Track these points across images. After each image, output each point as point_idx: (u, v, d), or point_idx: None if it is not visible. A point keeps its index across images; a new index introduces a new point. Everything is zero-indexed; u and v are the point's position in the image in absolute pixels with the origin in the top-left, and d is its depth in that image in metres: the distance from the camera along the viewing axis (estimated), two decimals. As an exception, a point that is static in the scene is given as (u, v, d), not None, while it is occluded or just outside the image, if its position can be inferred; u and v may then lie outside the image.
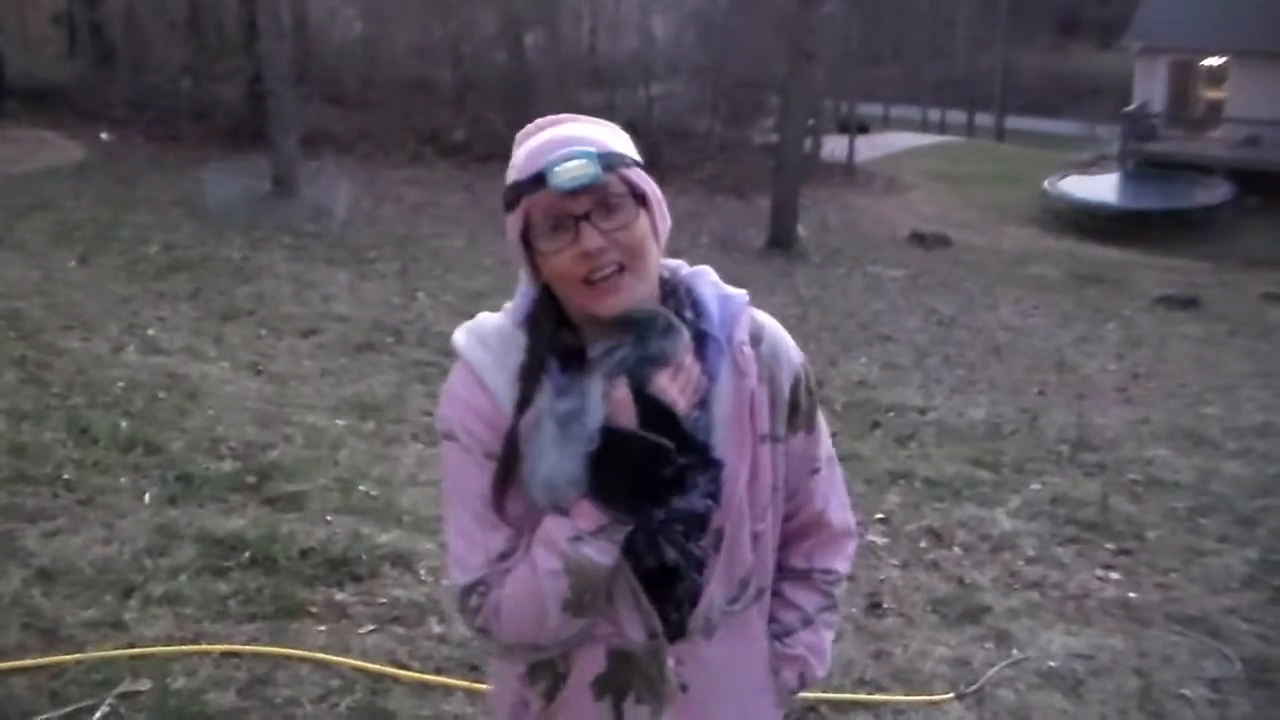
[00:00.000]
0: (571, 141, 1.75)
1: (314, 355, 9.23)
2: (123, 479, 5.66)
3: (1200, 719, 4.39)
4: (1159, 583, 5.73)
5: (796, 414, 1.95)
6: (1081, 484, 7.38)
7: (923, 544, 6.00)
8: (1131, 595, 5.53)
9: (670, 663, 1.88)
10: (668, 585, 1.84)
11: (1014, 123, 51.74)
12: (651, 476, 1.72)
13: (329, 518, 5.42)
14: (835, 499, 2.07)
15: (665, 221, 1.84)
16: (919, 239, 25.17)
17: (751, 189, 25.13)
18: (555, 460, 1.72)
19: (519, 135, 1.85)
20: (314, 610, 4.53)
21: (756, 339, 1.92)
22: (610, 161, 1.74)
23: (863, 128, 37.85)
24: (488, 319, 1.90)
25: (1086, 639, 4.99)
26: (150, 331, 9.06)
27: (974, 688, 4.45)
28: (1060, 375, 12.69)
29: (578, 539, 1.74)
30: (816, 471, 2.03)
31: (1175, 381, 12.69)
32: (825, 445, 2.04)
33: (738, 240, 21.23)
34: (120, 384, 7.27)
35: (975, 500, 6.83)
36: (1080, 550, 6.12)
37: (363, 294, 12.27)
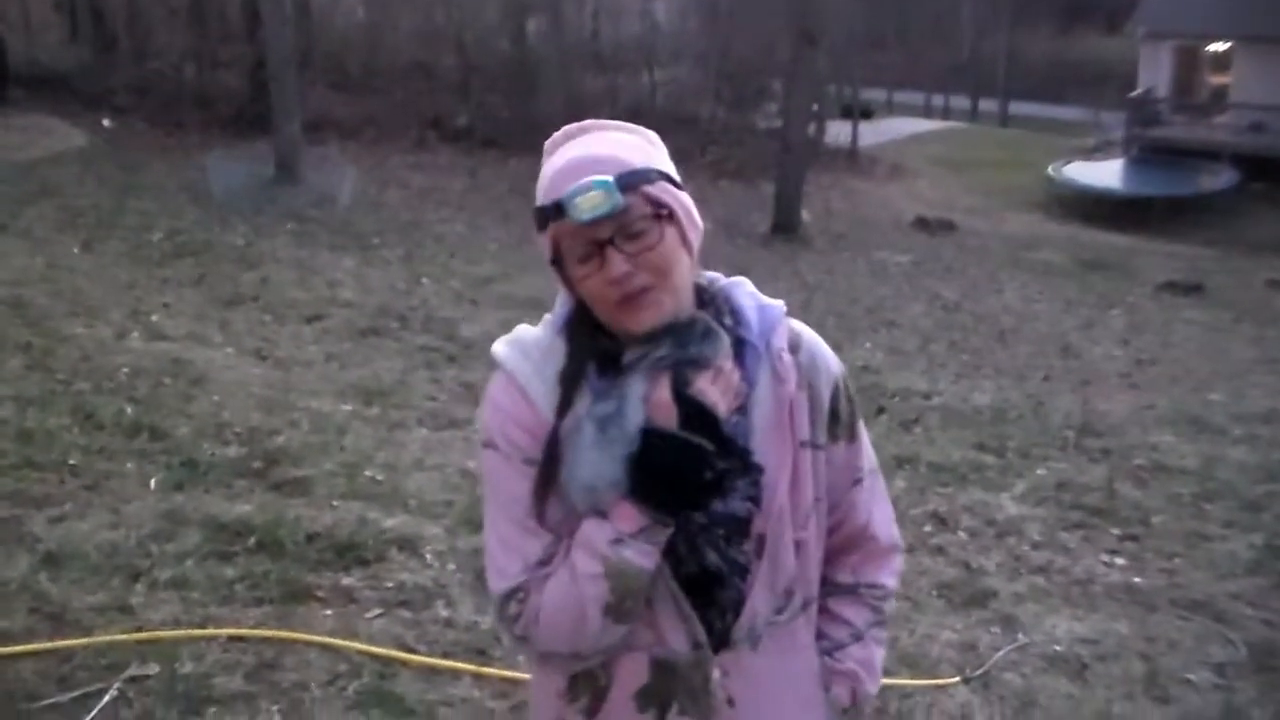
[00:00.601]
0: (591, 164, 1.73)
1: (319, 340, 9.24)
2: (128, 465, 5.67)
3: (1205, 703, 4.39)
4: (1164, 568, 5.74)
5: (837, 423, 1.94)
6: (1087, 469, 7.38)
7: (928, 529, 6.00)
8: (1137, 580, 5.53)
9: (716, 674, 1.84)
10: (710, 591, 1.82)
11: (1018, 108, 51.57)
12: (691, 478, 1.72)
13: (335, 503, 5.43)
14: (879, 512, 2.04)
15: (696, 229, 1.82)
16: (923, 224, 25.14)
17: (755, 174, 25.08)
18: (595, 462, 1.72)
19: (547, 144, 1.85)
20: (321, 595, 4.54)
21: (795, 347, 1.91)
22: (631, 182, 1.73)
23: (866, 113, 37.73)
24: (526, 330, 1.89)
25: (1092, 624, 5.00)
26: (155, 318, 9.06)
27: (980, 671, 4.46)
28: (1065, 361, 12.69)
29: (618, 541, 1.73)
30: (859, 482, 2.00)
31: (1180, 367, 12.69)
32: (868, 456, 2.02)
33: (742, 226, 21.19)
34: (125, 370, 7.28)
35: (980, 485, 6.84)
36: (1086, 535, 6.13)
37: (367, 279, 12.27)
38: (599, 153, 1.76)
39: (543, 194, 1.77)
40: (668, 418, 1.72)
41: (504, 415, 1.82)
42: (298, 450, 6.13)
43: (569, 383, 1.79)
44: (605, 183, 1.70)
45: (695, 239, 1.82)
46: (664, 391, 1.73)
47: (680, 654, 1.83)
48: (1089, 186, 30.89)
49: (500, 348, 1.87)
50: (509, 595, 1.80)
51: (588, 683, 1.87)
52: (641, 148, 1.82)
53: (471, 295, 12.17)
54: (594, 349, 1.80)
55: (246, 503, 5.31)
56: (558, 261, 1.79)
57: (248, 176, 17.68)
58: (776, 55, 27.10)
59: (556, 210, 1.72)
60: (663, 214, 1.76)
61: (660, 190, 1.77)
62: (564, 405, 1.77)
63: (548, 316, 1.89)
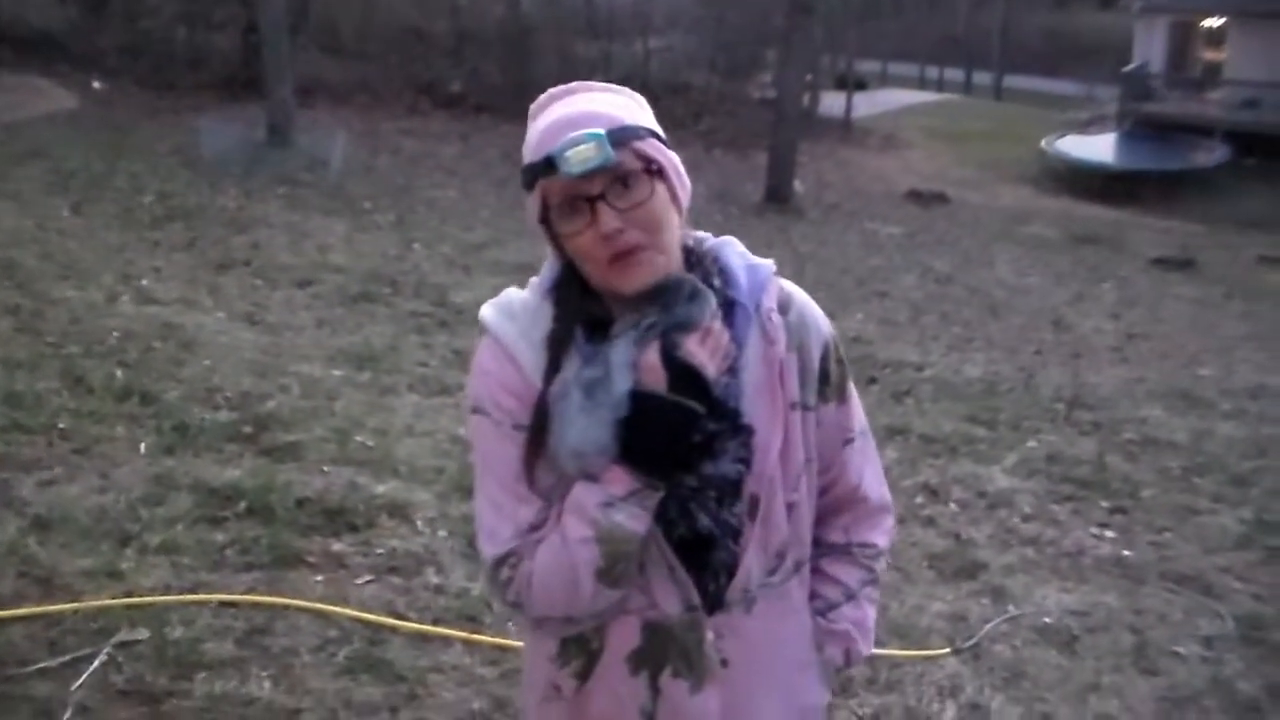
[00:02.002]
0: (581, 120, 1.72)
1: (310, 306, 9.21)
2: (118, 428, 5.65)
3: (1193, 675, 4.41)
4: (1153, 541, 5.76)
5: (827, 383, 1.93)
6: (1077, 442, 7.40)
7: (919, 500, 6.01)
8: (1126, 553, 5.55)
9: (709, 636, 1.84)
10: (703, 554, 1.82)
11: (1012, 81, 51.46)
12: (681, 440, 1.71)
13: (325, 468, 5.42)
14: (870, 472, 2.04)
15: (685, 188, 1.81)
16: (916, 196, 25.12)
17: (749, 143, 25.04)
18: (583, 427, 1.70)
19: (532, 107, 1.84)
20: (311, 560, 4.54)
21: (785, 307, 1.90)
22: (621, 137, 1.71)
23: (860, 84, 37.68)
24: (514, 294, 1.87)
25: (1081, 596, 5.02)
26: (145, 281, 9.03)
27: (970, 643, 4.47)
28: (1056, 334, 12.70)
29: (608, 505, 1.72)
30: (850, 442, 2.00)
31: (1170, 342, 12.71)
32: (858, 417, 2.01)
33: (734, 195, 21.16)
34: (115, 334, 7.25)
35: (971, 457, 6.85)
36: (1076, 508, 6.15)
37: (359, 245, 12.23)
38: (589, 109, 1.75)
39: (531, 151, 1.75)
40: (656, 381, 1.71)
41: (492, 380, 1.81)
42: (288, 415, 6.11)
43: (555, 346, 1.77)
44: (597, 135, 1.68)
45: (684, 198, 1.81)
46: (652, 354, 1.71)
47: (673, 617, 1.83)
48: (1082, 160, 30.86)
49: (487, 312, 1.85)
50: (501, 560, 1.79)
51: (579, 646, 1.87)
52: (630, 107, 1.80)
53: (463, 261, 12.14)
54: (582, 312, 1.79)
55: (237, 468, 5.29)
56: (546, 221, 1.77)
57: (239, 140, 17.60)
58: (771, 25, 27.00)
59: (547, 165, 1.71)
60: (653, 170, 1.74)
61: (650, 147, 1.75)
62: (551, 369, 1.76)
63: (534, 280, 1.87)
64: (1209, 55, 35.73)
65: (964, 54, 52.22)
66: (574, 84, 1.85)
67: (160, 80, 21.96)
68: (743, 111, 28.01)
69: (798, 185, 22.31)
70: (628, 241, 1.71)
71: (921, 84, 50.20)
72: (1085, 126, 35.29)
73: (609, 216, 1.70)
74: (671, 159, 1.79)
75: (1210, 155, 30.02)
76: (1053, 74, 49.33)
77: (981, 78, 52.67)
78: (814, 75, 30.21)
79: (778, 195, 21.53)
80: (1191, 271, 19.54)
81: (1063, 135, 33.62)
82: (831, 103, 32.80)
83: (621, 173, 1.71)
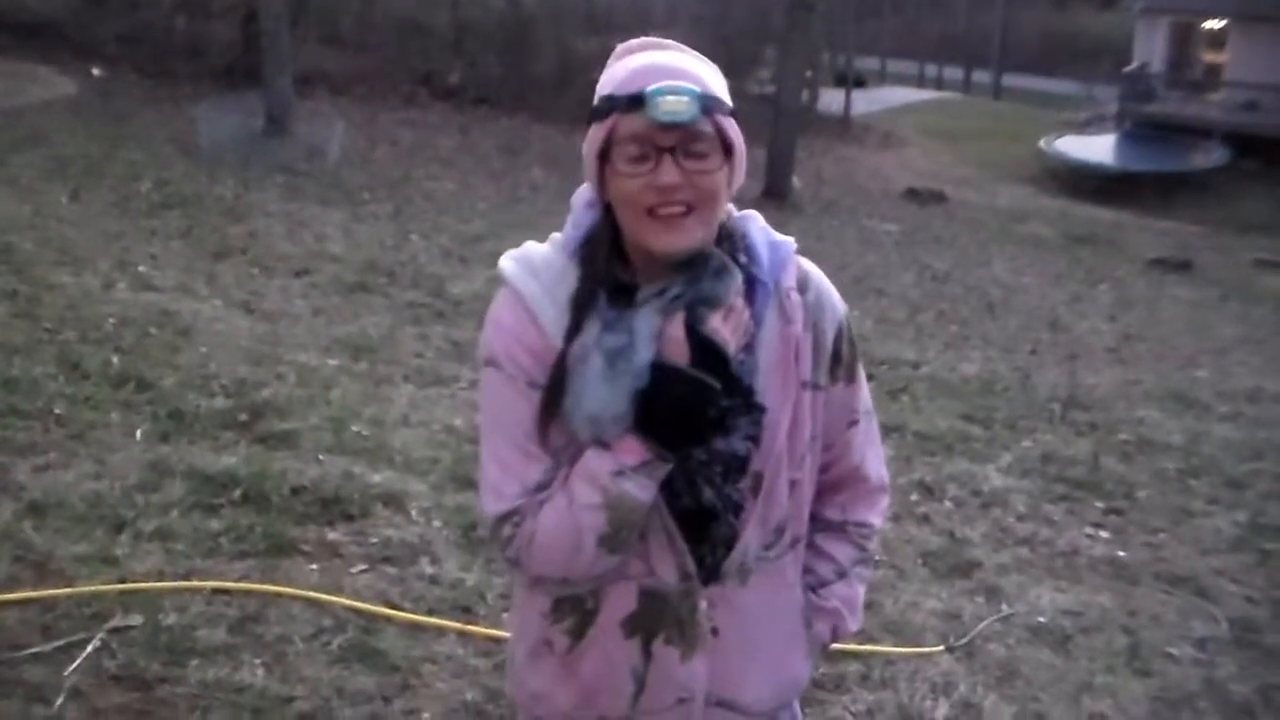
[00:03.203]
0: (677, 73, 1.72)
1: (306, 295, 9.20)
2: (114, 415, 5.63)
3: (1186, 677, 4.42)
4: (1148, 542, 5.76)
5: (838, 364, 1.94)
6: (1072, 442, 7.40)
7: (914, 497, 6.01)
8: (1120, 554, 5.56)
9: (703, 605, 1.87)
10: (703, 527, 1.83)
11: (1012, 80, 51.51)
12: (697, 415, 1.71)
13: (321, 457, 5.41)
14: (872, 452, 2.06)
15: (742, 175, 1.81)
16: (914, 194, 25.16)
17: (747, 139, 24.50)
18: (602, 395, 1.71)
19: (618, 48, 1.84)
20: (305, 549, 4.53)
21: (803, 286, 1.91)
22: (711, 105, 1.72)
23: (859, 81, 37.71)
24: (535, 248, 1.87)
25: (1075, 596, 5.02)
26: (142, 268, 9.01)
27: (964, 641, 4.47)
28: (1053, 334, 12.71)
29: (619, 474, 1.73)
30: (855, 423, 2.01)
31: (1167, 344, 12.73)
32: (864, 398, 2.03)
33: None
34: (112, 320, 7.23)
35: (967, 455, 6.85)
36: (1070, 508, 6.15)
37: (356, 234, 12.21)
38: (687, 67, 1.75)
39: (617, 84, 1.74)
40: (679, 354, 1.71)
41: (510, 335, 1.80)
42: (284, 404, 6.10)
43: (580, 307, 1.77)
44: (693, 91, 1.69)
45: (737, 185, 1.81)
46: (677, 328, 1.72)
47: (670, 585, 1.85)
48: (1081, 161, 30.92)
49: (508, 264, 1.85)
50: (504, 518, 1.80)
51: (574, 605, 1.88)
52: (720, 82, 1.81)
53: (460, 253, 12.12)
54: (609, 275, 1.78)
55: (232, 455, 5.28)
56: (603, 157, 1.76)
57: (237, 129, 17.55)
58: (771, 21, 26.99)
59: (632, 102, 1.70)
60: (726, 145, 1.75)
61: (730, 125, 1.76)
62: (574, 330, 1.76)
63: (556, 236, 1.87)
64: (1209, 57, 35.76)
65: (963, 52, 52.25)
66: (667, 40, 1.85)
67: (159, 68, 21.91)
68: (742, 107, 27.50)
69: (796, 182, 22.32)
70: (680, 198, 1.71)
71: (921, 82, 50.24)
72: (1084, 127, 35.35)
73: (671, 170, 1.70)
74: (741, 144, 1.79)
75: (1209, 157, 30.07)
76: (1052, 73, 49.36)
77: (981, 76, 52.72)
78: (813, 72, 30.22)
79: (776, 192, 21.53)
80: (1189, 273, 19.57)
81: (1062, 135, 33.70)
82: (830, 100, 32.85)
83: (698, 135, 1.71)
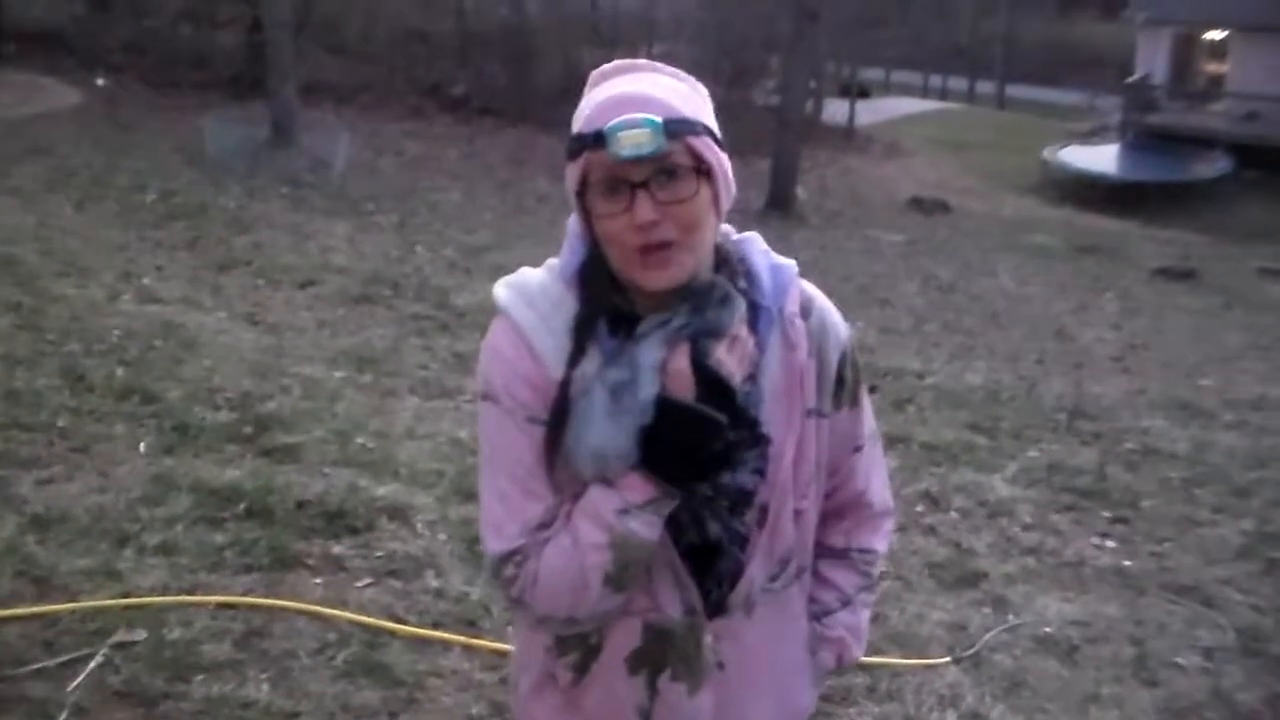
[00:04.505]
0: (640, 101, 1.66)
1: (311, 306, 9.20)
2: (118, 427, 5.63)
3: (1193, 686, 4.40)
4: (1154, 551, 5.75)
5: (842, 389, 1.89)
6: (1078, 452, 7.38)
7: (920, 508, 5.99)
8: (1127, 563, 5.54)
9: (708, 640, 1.83)
10: (709, 561, 1.80)
11: (1015, 91, 51.53)
12: (704, 451, 1.68)
13: (326, 470, 5.40)
14: (876, 478, 2.03)
15: (730, 193, 1.76)
16: (918, 204, 25.16)
17: (752, 150, 24.97)
18: (606, 431, 1.66)
19: (594, 75, 1.79)
20: (310, 563, 4.52)
21: (806, 311, 1.86)
22: (677, 129, 1.65)
23: (864, 92, 37.72)
24: (531, 275, 1.81)
25: (1082, 606, 5.00)
26: (146, 280, 9.01)
27: (970, 652, 4.45)
28: (1058, 344, 12.69)
29: (624, 512, 1.68)
30: (859, 449, 1.97)
31: (1172, 352, 12.70)
32: (869, 422, 1.98)
33: (736, 201, 20.81)
34: (116, 332, 7.23)
35: (972, 466, 6.83)
36: (1076, 518, 6.13)
37: (361, 246, 12.22)
38: (651, 93, 1.69)
39: (583, 122, 1.69)
40: (684, 388, 1.67)
41: (508, 368, 1.75)
42: (289, 416, 6.09)
43: (580, 336, 1.72)
44: (654, 122, 1.63)
45: (726, 202, 1.76)
46: (682, 361, 1.67)
47: (674, 620, 1.81)
48: (1084, 170, 30.92)
49: (504, 292, 1.79)
50: (506, 557, 1.75)
51: (579, 640, 1.84)
52: (692, 99, 1.74)
53: (465, 264, 12.13)
54: (609, 303, 1.74)
55: (237, 468, 5.27)
56: (582, 195, 1.71)
57: (243, 139, 17.59)
58: (776, 31, 27.00)
59: (596, 140, 1.65)
60: (702, 169, 1.69)
61: (703, 145, 1.70)
62: (574, 359, 1.71)
63: (552, 262, 1.81)
64: (1211, 67, 35.80)
65: (968, 63, 52.26)
66: (639, 61, 1.81)
67: (164, 78, 21.97)
68: (746, 118, 27.89)
69: (800, 192, 22.33)
70: (660, 235, 1.66)
71: (925, 92, 50.26)
72: (1088, 137, 35.33)
73: (646, 207, 1.64)
74: (722, 161, 1.73)
75: (1212, 167, 30.08)
76: (1056, 84, 49.38)
77: (985, 87, 52.74)
78: (818, 82, 30.24)
79: (780, 202, 21.55)
80: (1193, 282, 19.56)
81: (1065, 145, 33.69)
82: (835, 110, 32.86)
83: (669, 165, 1.65)
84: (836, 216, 22.39)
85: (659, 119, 1.64)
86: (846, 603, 2.01)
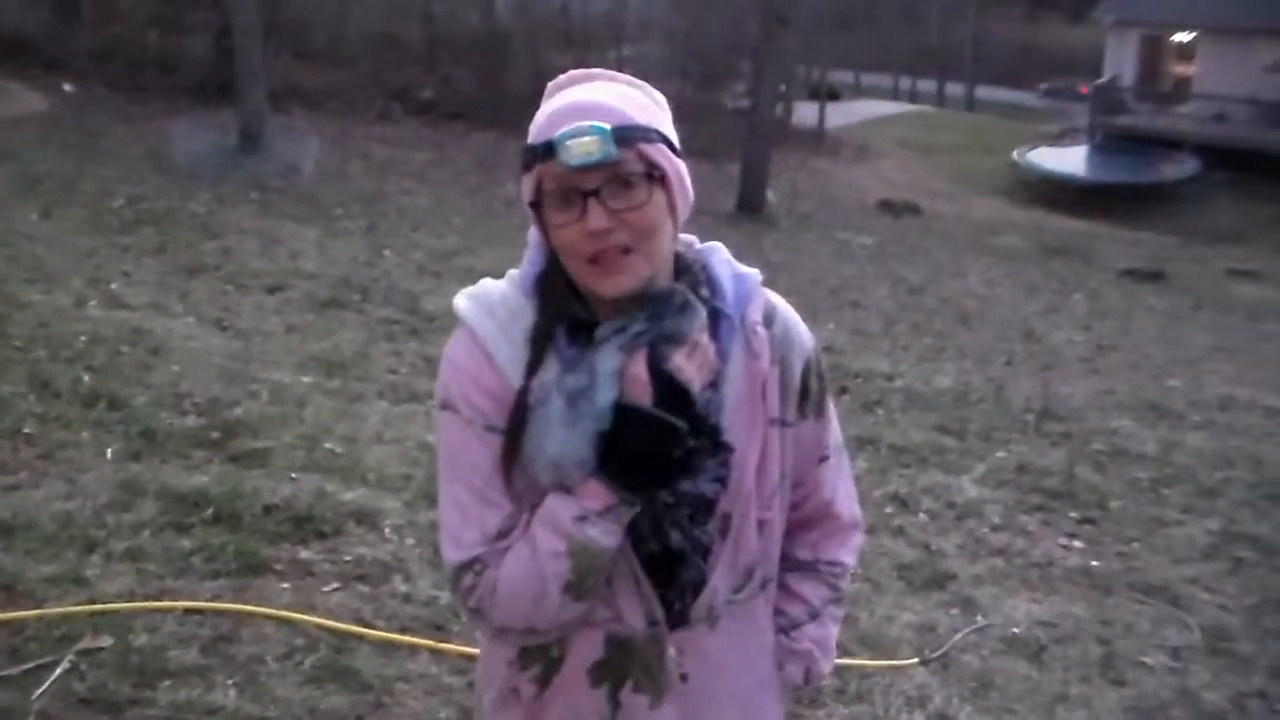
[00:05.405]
0: (591, 110, 1.66)
1: (280, 311, 9.16)
2: (85, 434, 5.59)
3: (1160, 686, 4.43)
4: (1122, 552, 5.79)
5: (807, 399, 1.89)
6: (1046, 453, 7.42)
7: (889, 510, 6.02)
8: (1095, 564, 5.58)
9: (671, 651, 1.82)
10: (671, 571, 1.78)
11: (984, 93, 51.83)
12: (662, 457, 1.66)
13: (293, 475, 5.38)
14: (843, 489, 2.02)
15: (687, 199, 1.76)
16: (888, 207, 25.26)
17: (722, 153, 25.04)
18: (565, 438, 1.65)
19: (550, 86, 1.78)
20: (278, 568, 4.50)
21: (770, 320, 1.86)
22: (628, 136, 1.65)
23: (834, 94, 37.82)
24: (492, 285, 1.81)
25: (1050, 606, 5.03)
26: (114, 286, 8.96)
27: (939, 653, 4.47)
28: (1027, 345, 12.75)
29: (582, 519, 1.67)
30: (825, 459, 1.97)
31: (1140, 354, 12.78)
32: (834, 433, 1.98)
33: (706, 204, 21.14)
34: (83, 338, 7.18)
35: (941, 467, 6.86)
36: (1045, 519, 6.17)
37: (330, 251, 12.17)
38: (602, 100, 1.69)
39: (535, 133, 1.69)
40: (642, 394, 1.66)
41: (466, 378, 1.74)
42: (257, 422, 6.07)
43: (538, 345, 1.72)
44: (602, 130, 1.63)
45: (683, 209, 1.76)
46: (640, 366, 1.66)
47: (636, 631, 1.80)
48: (1053, 172, 31.11)
49: (464, 303, 1.79)
50: (465, 567, 1.74)
51: (540, 652, 1.83)
52: (646, 105, 1.74)
53: (434, 268, 12.10)
54: (567, 312, 1.73)
55: (204, 474, 5.25)
56: (537, 205, 1.72)
57: (211, 145, 17.52)
58: (745, 34, 27.06)
59: (546, 150, 1.65)
60: (655, 175, 1.69)
61: (656, 151, 1.69)
62: (532, 368, 1.70)
63: (513, 272, 1.81)
64: (1179, 69, 36.09)
65: (937, 65, 52.50)
66: (595, 70, 1.80)
67: (132, 84, 21.84)
68: (716, 121, 28.00)
69: (770, 195, 22.38)
70: (613, 242, 1.66)
71: (895, 95, 50.48)
72: (1056, 139, 35.56)
73: (599, 215, 1.64)
74: (676, 167, 1.73)
75: (1180, 168, 30.31)
76: (1025, 86, 49.67)
77: (954, 89, 52.98)
78: (788, 85, 30.32)
79: (750, 205, 21.59)
80: (1161, 283, 19.69)
81: (1034, 147, 33.90)
82: (805, 113, 32.95)
83: (621, 172, 1.65)
84: (807, 219, 22.44)
85: (607, 126, 1.63)
86: (814, 616, 1.99)
